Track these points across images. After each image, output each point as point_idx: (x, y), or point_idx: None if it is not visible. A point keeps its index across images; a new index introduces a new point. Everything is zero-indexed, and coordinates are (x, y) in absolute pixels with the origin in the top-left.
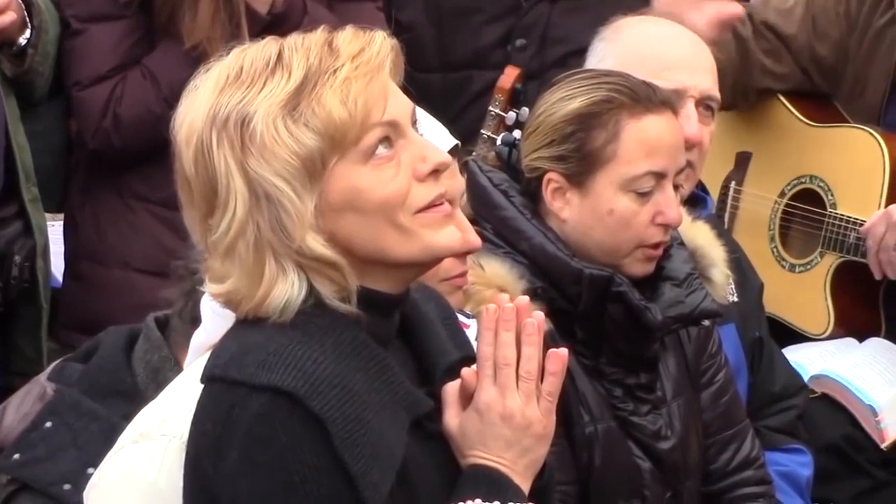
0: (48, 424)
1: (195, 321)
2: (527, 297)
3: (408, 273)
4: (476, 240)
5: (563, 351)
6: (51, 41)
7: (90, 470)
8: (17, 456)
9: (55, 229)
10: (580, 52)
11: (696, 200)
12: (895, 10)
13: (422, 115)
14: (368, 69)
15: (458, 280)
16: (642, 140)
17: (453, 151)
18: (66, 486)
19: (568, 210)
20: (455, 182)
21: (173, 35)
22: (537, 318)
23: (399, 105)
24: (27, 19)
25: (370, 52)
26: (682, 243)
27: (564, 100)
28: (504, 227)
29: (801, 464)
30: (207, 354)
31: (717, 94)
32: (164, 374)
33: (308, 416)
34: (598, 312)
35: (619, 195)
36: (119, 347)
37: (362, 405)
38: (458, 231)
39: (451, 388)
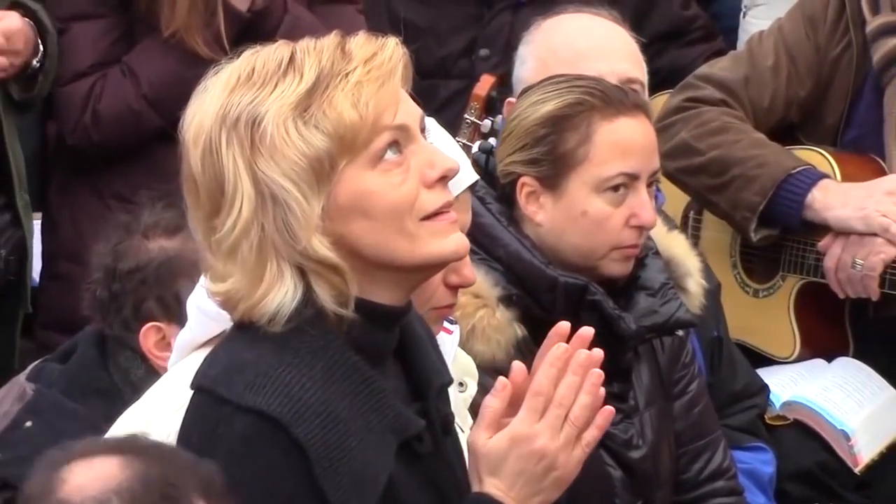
0: (28, 424)
1: (126, 324)
2: (591, 329)
3: (412, 279)
4: (473, 276)
5: (611, 409)
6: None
7: None
8: None
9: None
10: None
11: None
12: (850, 35)
13: (448, 143)
14: (380, 73)
15: (446, 311)
16: (614, 141)
17: (472, 187)
18: None
19: (542, 214)
20: (465, 216)
21: (152, 26)
22: (597, 369)
23: (409, 110)
24: (39, 44)
25: (382, 56)
26: (657, 253)
27: (537, 104)
28: (480, 234)
29: (763, 461)
30: (193, 355)
31: (636, 75)
32: (133, 374)
33: (290, 442)
34: (573, 321)
35: (592, 197)
36: (95, 347)
37: (346, 433)
38: (463, 237)
39: (492, 405)
